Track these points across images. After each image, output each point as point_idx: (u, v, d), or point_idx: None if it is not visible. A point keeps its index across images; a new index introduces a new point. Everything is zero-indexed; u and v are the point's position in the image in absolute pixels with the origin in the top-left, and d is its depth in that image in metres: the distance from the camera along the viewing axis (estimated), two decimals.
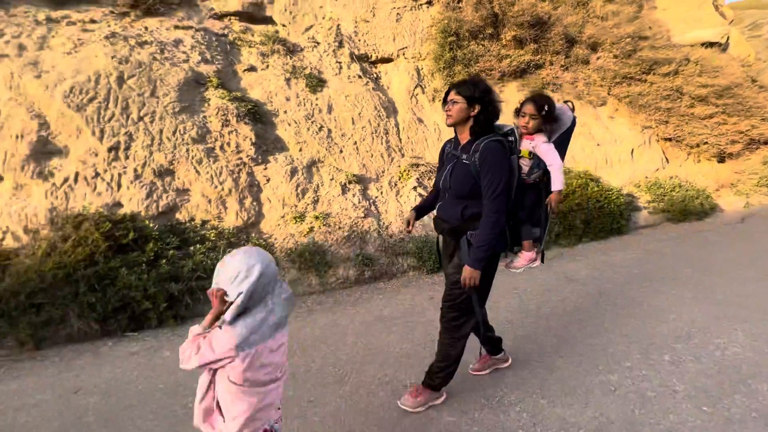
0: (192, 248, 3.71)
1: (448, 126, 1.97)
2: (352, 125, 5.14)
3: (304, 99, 5.09)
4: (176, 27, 5.01)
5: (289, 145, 4.76)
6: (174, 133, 4.10)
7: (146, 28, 4.79)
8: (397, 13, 6.25)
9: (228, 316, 1.14)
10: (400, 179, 5.09)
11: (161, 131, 4.04)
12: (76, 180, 3.63)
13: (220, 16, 5.56)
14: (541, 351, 2.69)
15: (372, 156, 5.11)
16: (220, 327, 1.16)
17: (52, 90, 3.74)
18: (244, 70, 5.11)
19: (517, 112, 2.05)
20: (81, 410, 2.25)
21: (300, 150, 4.74)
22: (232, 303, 1.14)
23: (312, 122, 4.95)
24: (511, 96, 6.34)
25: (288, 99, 5.01)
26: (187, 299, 3.40)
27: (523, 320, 3.18)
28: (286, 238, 4.12)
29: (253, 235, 4.10)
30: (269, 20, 5.85)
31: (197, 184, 4.05)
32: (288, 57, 5.45)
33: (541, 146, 1.98)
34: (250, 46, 5.40)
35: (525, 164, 2.01)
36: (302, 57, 5.62)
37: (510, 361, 2.49)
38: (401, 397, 2.13)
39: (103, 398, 2.36)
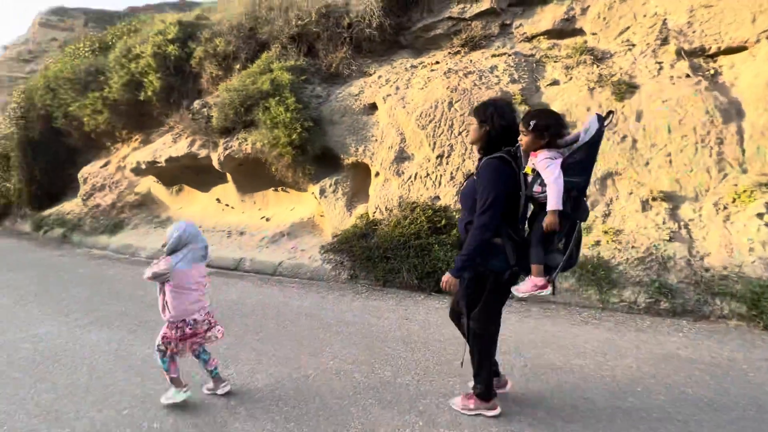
0: None
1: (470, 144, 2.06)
2: (667, 134, 4.46)
3: (607, 107, 4.87)
4: (493, 55, 5.97)
5: None
6: None
7: (471, 61, 6.00)
8: None
9: (166, 250, 2.27)
10: (734, 201, 3.98)
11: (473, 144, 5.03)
12: (415, 178, 5.17)
13: (530, 38, 6.12)
14: None
15: (692, 170, 4.25)
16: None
17: (410, 116, 5.44)
18: (547, 85, 5.44)
19: None
20: (407, 327, 3.35)
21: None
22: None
23: (614, 132, 4.67)
24: None
25: (589, 109, 4.94)
26: None
27: None
28: None
29: None
30: (578, 32, 5.88)
31: None
32: (594, 66, 5.32)
33: (540, 162, 1.83)
34: (554, 61, 5.66)
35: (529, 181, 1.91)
36: (611, 63, 5.33)
37: (508, 385, 2.37)
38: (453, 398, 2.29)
39: (420, 327, 3.39)
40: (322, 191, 5.75)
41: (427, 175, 5.11)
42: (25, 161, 9.95)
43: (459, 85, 5.51)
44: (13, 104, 10.49)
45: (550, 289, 1.90)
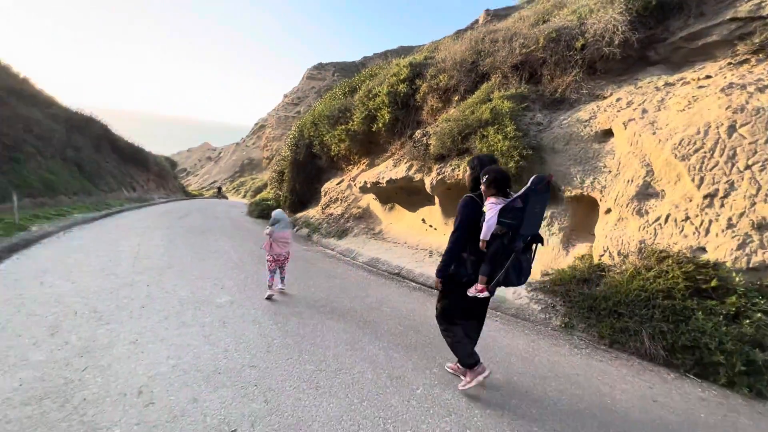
0: None
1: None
2: None
3: None
4: None
5: None
6: None
7: None
8: None
9: (270, 223, 4.79)
10: None
11: None
12: (666, 220, 4.13)
13: None
14: None
15: None
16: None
17: (663, 143, 4.43)
18: None
19: None
20: (657, 413, 2.58)
21: None
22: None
23: None
24: None
25: None
26: None
27: None
28: None
29: None
30: None
31: None
32: None
33: (487, 204, 2.52)
34: None
35: None
36: None
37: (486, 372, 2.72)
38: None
39: (679, 419, 2.56)
40: None
41: (687, 218, 4.00)
42: (292, 176, 13.53)
43: (748, 103, 4.15)
44: (290, 135, 14.52)
45: (487, 294, 2.58)
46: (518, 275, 2.52)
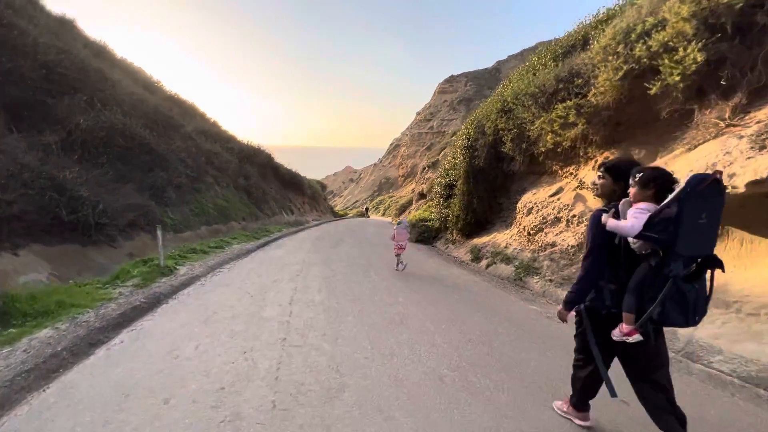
0: None
1: None
2: None
3: None
4: None
5: None
6: None
7: None
8: None
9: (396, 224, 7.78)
10: None
11: None
12: None
13: None
14: None
15: None
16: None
17: None
18: None
19: None
20: None
21: None
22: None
23: None
24: None
25: None
26: None
27: None
28: None
29: None
30: None
31: None
32: None
33: (631, 211, 1.89)
34: None
35: None
36: None
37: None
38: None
39: None
40: None
41: None
42: (466, 189, 10.01)
43: None
44: (462, 134, 11.10)
45: (638, 336, 1.90)
46: (684, 311, 1.78)
